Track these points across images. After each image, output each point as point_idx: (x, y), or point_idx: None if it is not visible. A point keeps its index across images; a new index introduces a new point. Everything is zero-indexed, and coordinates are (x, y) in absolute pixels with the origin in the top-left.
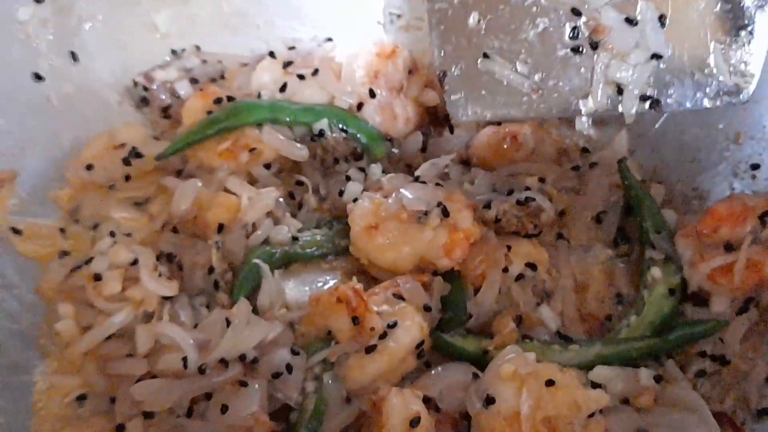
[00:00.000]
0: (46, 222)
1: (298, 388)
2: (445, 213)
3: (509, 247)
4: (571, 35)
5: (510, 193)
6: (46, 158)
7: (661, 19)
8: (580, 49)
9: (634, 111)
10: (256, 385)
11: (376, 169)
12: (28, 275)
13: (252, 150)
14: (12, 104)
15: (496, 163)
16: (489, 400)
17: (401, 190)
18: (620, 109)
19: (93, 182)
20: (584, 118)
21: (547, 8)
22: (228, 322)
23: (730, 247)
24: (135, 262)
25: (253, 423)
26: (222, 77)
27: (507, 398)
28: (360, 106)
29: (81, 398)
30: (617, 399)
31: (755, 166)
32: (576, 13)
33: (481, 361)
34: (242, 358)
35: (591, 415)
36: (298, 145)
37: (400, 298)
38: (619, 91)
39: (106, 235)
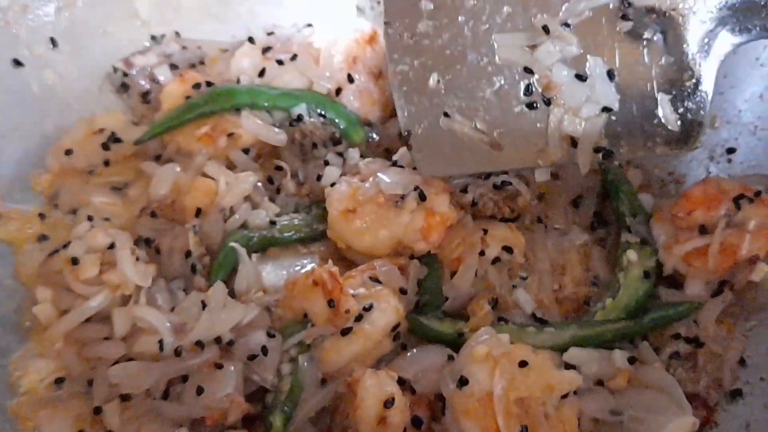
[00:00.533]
0: (26, 207)
1: (273, 370)
2: (422, 197)
3: (486, 231)
4: (525, 92)
5: (487, 177)
6: (27, 145)
7: (610, 73)
8: (535, 105)
9: (588, 163)
10: (232, 367)
11: (354, 153)
12: (7, 260)
13: (230, 135)
14: None
15: None
16: (462, 382)
17: (378, 174)
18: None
19: (73, 168)
20: (543, 170)
21: (502, 67)
22: (204, 305)
23: (704, 230)
24: (112, 246)
25: (229, 404)
26: (201, 63)
27: (480, 379)
28: (338, 91)
29: (59, 381)
30: (591, 380)
31: (731, 150)
32: (528, 71)
33: (456, 344)
34: (218, 340)
35: (564, 396)
36: (276, 129)
37: (377, 281)
38: (574, 143)
39: (85, 219)
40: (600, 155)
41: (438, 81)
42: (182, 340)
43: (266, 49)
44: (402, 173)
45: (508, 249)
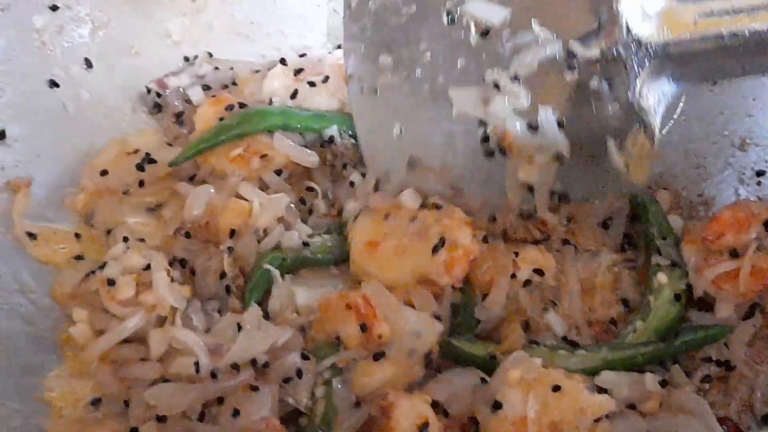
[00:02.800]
0: (61, 227)
1: (308, 392)
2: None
3: (517, 254)
4: (482, 141)
5: None
6: (61, 164)
7: (560, 122)
8: (493, 154)
9: (545, 206)
10: (267, 390)
11: None
12: (44, 280)
13: (263, 156)
14: (28, 112)
15: None
16: (496, 405)
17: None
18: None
19: (107, 188)
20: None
21: (459, 119)
22: (239, 327)
23: (735, 254)
24: (148, 267)
25: (264, 427)
26: (234, 84)
27: (514, 403)
28: None
29: (95, 402)
30: (623, 404)
31: (761, 173)
32: (483, 123)
33: (488, 366)
34: (253, 362)
35: (597, 420)
36: (309, 151)
37: (411, 306)
38: (531, 189)
39: (120, 240)
40: (555, 198)
41: (400, 131)
42: (218, 362)
43: (298, 71)
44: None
45: (539, 271)
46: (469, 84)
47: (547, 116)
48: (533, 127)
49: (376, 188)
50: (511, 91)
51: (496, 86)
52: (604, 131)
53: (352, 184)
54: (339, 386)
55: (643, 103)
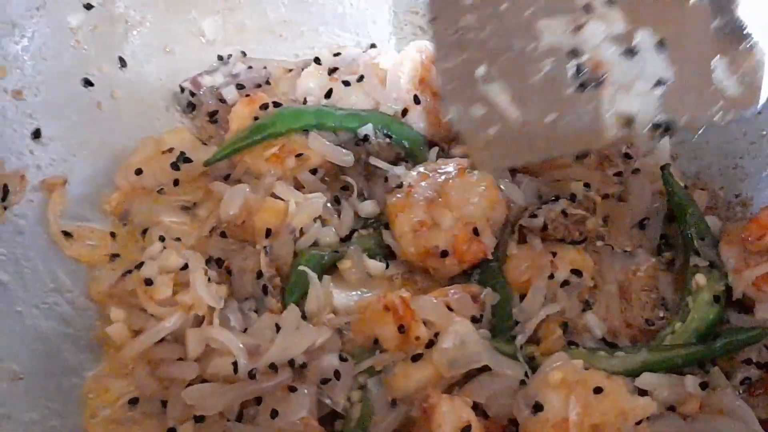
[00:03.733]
0: (97, 226)
1: (345, 394)
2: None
3: (554, 254)
4: (574, 75)
5: (556, 199)
6: (96, 163)
7: (660, 43)
8: (586, 87)
9: (647, 141)
10: (306, 391)
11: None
12: (80, 279)
13: (299, 156)
14: (64, 110)
15: (540, 168)
16: (537, 407)
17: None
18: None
19: (142, 187)
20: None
21: (548, 52)
22: (278, 328)
23: None
24: (185, 267)
25: (303, 428)
26: (267, 83)
27: (555, 405)
28: (405, 112)
29: (133, 401)
30: (663, 406)
31: None
32: (575, 53)
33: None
34: (291, 363)
35: (638, 423)
36: (344, 150)
37: (449, 308)
38: (630, 122)
39: (156, 239)
40: (659, 131)
41: (485, 73)
42: (256, 362)
43: (332, 70)
44: None
45: (577, 272)
46: (559, 13)
47: (647, 39)
48: (631, 52)
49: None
50: (604, 15)
51: (588, 9)
52: (708, 50)
53: (386, 179)
54: (375, 388)
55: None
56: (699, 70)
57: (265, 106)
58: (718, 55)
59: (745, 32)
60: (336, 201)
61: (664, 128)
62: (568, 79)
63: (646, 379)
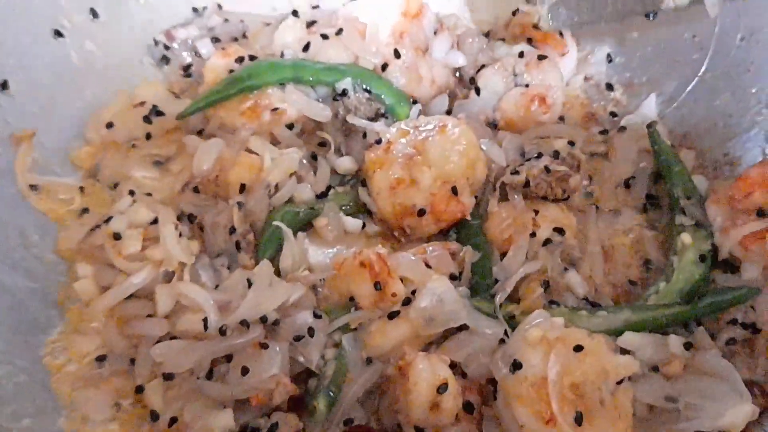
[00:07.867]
0: (66, 180)
1: (319, 352)
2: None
3: (536, 212)
4: None
5: (539, 156)
6: (67, 117)
7: None
8: None
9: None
10: (278, 348)
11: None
12: (48, 234)
13: (274, 110)
14: (33, 61)
15: (523, 125)
16: (516, 366)
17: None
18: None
19: (113, 140)
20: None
21: None
22: (250, 283)
23: (762, 213)
24: (155, 222)
25: (275, 386)
26: (244, 36)
27: (534, 363)
28: (384, 66)
29: (100, 358)
30: (646, 366)
31: None
32: None
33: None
34: (263, 319)
35: (619, 382)
36: (321, 105)
37: (427, 266)
38: None
39: (126, 193)
40: None
41: None
42: (227, 318)
43: (310, 23)
44: None
45: (559, 230)
46: None
47: None
48: None
49: None
50: None
51: None
52: None
53: (364, 135)
54: (349, 346)
55: None
56: None
57: (241, 59)
58: None
59: None
60: (312, 157)
61: None
62: None
63: (628, 339)
